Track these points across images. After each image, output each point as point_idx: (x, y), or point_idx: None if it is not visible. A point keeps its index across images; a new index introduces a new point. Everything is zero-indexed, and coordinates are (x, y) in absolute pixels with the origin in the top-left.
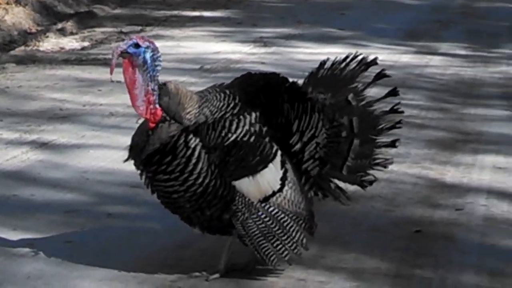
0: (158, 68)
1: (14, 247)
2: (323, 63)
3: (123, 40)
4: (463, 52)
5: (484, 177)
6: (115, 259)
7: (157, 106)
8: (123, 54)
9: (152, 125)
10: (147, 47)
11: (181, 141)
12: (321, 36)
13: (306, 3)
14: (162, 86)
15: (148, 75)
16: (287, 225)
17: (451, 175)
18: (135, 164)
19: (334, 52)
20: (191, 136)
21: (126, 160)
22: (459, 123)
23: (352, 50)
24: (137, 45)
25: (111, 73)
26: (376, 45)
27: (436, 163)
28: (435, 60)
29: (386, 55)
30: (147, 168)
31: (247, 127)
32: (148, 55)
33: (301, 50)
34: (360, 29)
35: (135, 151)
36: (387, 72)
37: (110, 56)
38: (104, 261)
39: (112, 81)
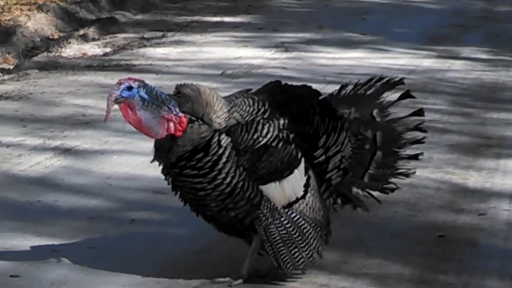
0: (159, 92)
1: (38, 253)
2: (344, 86)
3: (144, 46)
4: (484, 56)
5: (507, 182)
6: (138, 265)
7: (180, 114)
8: (118, 100)
9: (179, 133)
10: (139, 87)
11: (215, 139)
12: (343, 41)
13: (327, 8)
14: (178, 95)
15: (154, 105)
16: (307, 231)
17: (473, 179)
18: (161, 165)
19: (355, 56)
20: (223, 135)
21: (153, 161)
22: (481, 128)
23: (374, 55)
24: (130, 88)
25: (105, 120)
26: (398, 50)
27: (459, 167)
28: (457, 64)
29: (408, 59)
30: (175, 166)
31: (276, 132)
32: (142, 92)
33: (322, 55)
34: (381, 34)
35: (161, 152)
36: (408, 77)
37: (136, 62)
38: (127, 267)
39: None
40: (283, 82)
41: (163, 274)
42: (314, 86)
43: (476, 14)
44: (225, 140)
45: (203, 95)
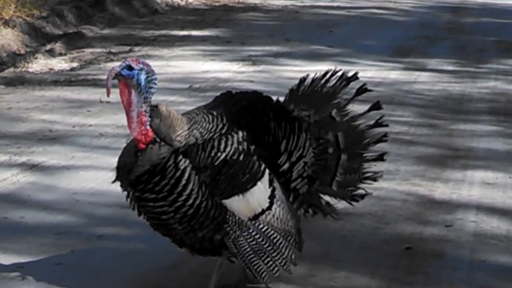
0: (152, 90)
1: (3, 270)
2: (302, 80)
3: (111, 60)
4: (451, 67)
5: (474, 193)
6: (106, 281)
7: (148, 127)
8: (117, 76)
9: (142, 146)
10: (141, 69)
11: (171, 162)
12: (310, 53)
13: (295, 21)
14: (154, 108)
15: (142, 96)
16: (277, 241)
17: (440, 191)
18: (122, 186)
19: (323, 69)
20: (181, 157)
21: (114, 181)
22: (448, 139)
23: (341, 67)
24: (130, 68)
25: (107, 95)
26: (365, 62)
27: (426, 179)
28: (423, 76)
29: (375, 71)
30: (135, 188)
31: (235, 145)
32: (142, 77)
33: (289, 68)
34: (349, 46)
35: (123, 172)
36: (376, 89)
37: (103, 77)
38: (95, 283)
39: (101, 102)
40: (233, 92)
41: None
42: (282, 99)
43: (443, 26)
44: (183, 162)
45: (172, 117)
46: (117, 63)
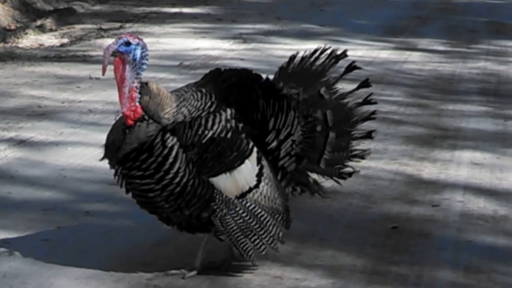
0: (144, 66)
1: None
2: (292, 57)
3: (102, 36)
4: (441, 48)
5: (461, 173)
6: (92, 257)
7: (138, 104)
8: (115, 53)
9: (130, 122)
10: (137, 44)
11: (158, 139)
12: (301, 32)
13: (286, 0)
14: (144, 85)
15: (135, 72)
16: (264, 219)
17: (428, 171)
18: (110, 163)
19: (313, 48)
20: (168, 135)
21: (102, 158)
22: (437, 119)
23: (332, 46)
24: (127, 43)
25: (103, 73)
26: (356, 41)
27: (414, 159)
28: (414, 56)
29: (365, 51)
30: (122, 166)
31: (223, 123)
32: (138, 52)
33: (280, 46)
34: (340, 25)
35: (111, 150)
36: (366, 68)
37: (93, 53)
38: (80, 259)
39: (91, 78)
40: (222, 69)
41: (117, 267)
42: (272, 77)
43: (434, 6)
44: (170, 139)
45: (161, 95)
46: (108, 40)
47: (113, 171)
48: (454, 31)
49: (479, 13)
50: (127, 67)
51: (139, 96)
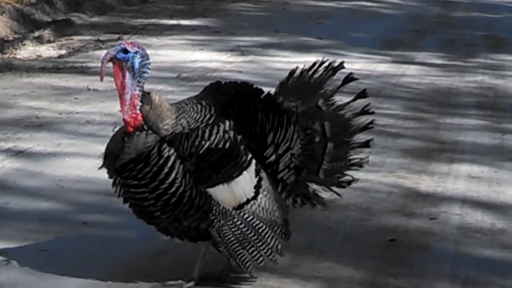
0: (145, 75)
1: None
2: (292, 72)
3: (100, 48)
4: (439, 61)
5: (459, 187)
6: (90, 267)
7: (139, 112)
8: (113, 60)
9: (130, 129)
10: (136, 53)
11: (155, 150)
12: (299, 45)
13: (284, 12)
14: (146, 94)
15: (136, 80)
16: (263, 231)
17: (426, 184)
18: (108, 172)
19: (311, 61)
20: (165, 145)
21: (101, 167)
22: (434, 133)
23: (329, 59)
24: (125, 51)
25: (101, 79)
26: (353, 54)
27: (411, 172)
28: (412, 69)
29: (363, 64)
30: (120, 175)
31: (221, 134)
32: (136, 60)
33: (278, 59)
34: (338, 38)
35: (110, 159)
36: (364, 81)
37: (91, 65)
38: (79, 270)
39: (89, 89)
40: (223, 82)
41: (115, 277)
42: (270, 89)
43: (432, 20)
44: (167, 150)
45: (162, 107)
46: (106, 50)
47: (111, 181)
48: (451, 45)
49: (476, 27)
50: (127, 74)
51: (140, 104)
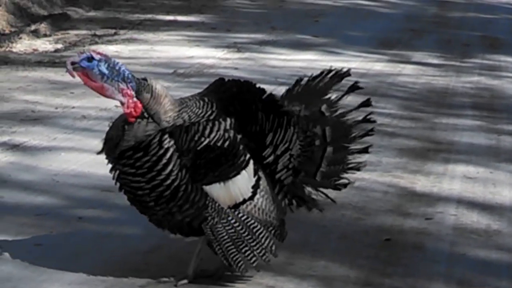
0: (122, 68)
1: None
2: (299, 80)
3: (96, 42)
4: (435, 61)
5: (454, 187)
6: (84, 263)
7: (136, 99)
8: (76, 67)
9: (132, 119)
10: (100, 60)
11: (156, 140)
12: (295, 42)
13: (281, 10)
14: (144, 82)
15: (114, 80)
16: (257, 231)
17: (421, 184)
18: (107, 158)
19: (307, 58)
20: (166, 136)
21: (100, 153)
22: (430, 132)
23: (326, 58)
24: (90, 59)
25: (73, 77)
26: (349, 53)
27: (407, 172)
28: (408, 69)
29: (359, 63)
30: (118, 162)
31: (221, 132)
32: (103, 67)
33: (274, 56)
34: (334, 37)
35: (109, 145)
36: (360, 80)
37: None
38: (73, 265)
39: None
40: (226, 79)
41: (109, 273)
42: (266, 87)
43: (429, 19)
44: (167, 141)
45: (165, 98)
46: (102, 46)
47: (106, 176)
48: (448, 45)
49: (473, 27)
50: (98, 80)
51: (134, 93)
